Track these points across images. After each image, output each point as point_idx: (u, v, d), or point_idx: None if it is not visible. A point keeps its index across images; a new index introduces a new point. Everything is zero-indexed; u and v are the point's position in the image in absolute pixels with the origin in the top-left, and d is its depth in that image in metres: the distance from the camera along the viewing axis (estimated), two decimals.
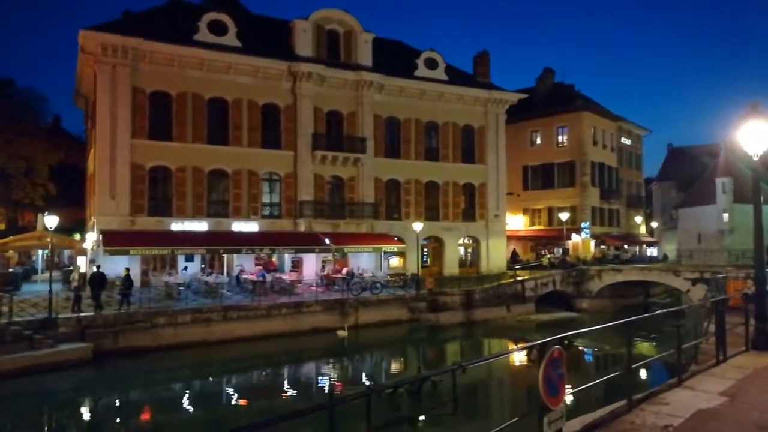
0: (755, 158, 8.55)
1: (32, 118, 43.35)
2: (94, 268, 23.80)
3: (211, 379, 20.93)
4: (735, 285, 12.75)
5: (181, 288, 25.80)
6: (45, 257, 42.16)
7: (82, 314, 20.49)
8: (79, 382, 18.50)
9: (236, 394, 19.23)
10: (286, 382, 20.58)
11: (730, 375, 7.26)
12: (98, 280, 21.29)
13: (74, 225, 40.63)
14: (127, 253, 25.31)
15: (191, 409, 17.31)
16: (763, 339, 8.65)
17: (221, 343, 23.01)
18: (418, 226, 31.64)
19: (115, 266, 26.73)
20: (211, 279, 26.92)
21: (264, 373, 22.10)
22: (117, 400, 17.97)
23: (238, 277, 28.66)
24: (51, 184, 41.32)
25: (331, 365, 23.41)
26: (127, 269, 22.48)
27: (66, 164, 44.16)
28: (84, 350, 19.17)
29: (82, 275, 23.71)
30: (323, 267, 32.76)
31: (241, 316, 23.70)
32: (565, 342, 4.67)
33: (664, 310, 6.99)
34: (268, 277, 28.30)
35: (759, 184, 9.07)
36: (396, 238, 34.29)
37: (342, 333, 24.55)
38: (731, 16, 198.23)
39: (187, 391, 19.14)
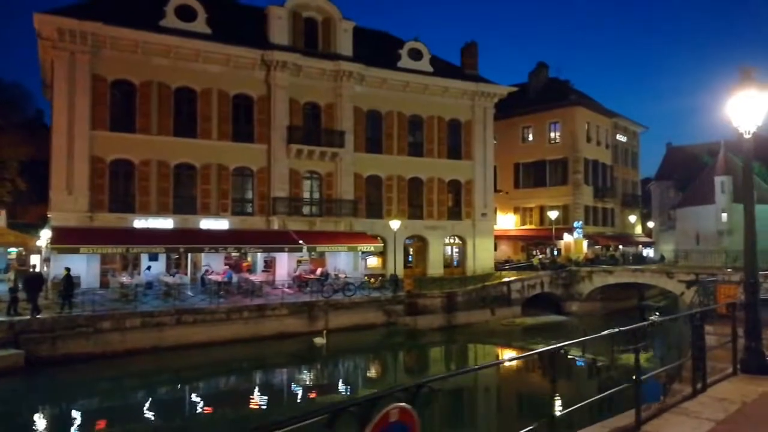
0: (747, 136, 6.85)
1: (12, 113, 41.95)
2: (45, 268, 22.22)
3: (162, 389, 19.24)
4: (726, 290, 10.91)
5: (138, 289, 24.06)
6: (17, 256, 40.59)
7: (17, 318, 18.75)
8: (7, 393, 16.77)
9: (190, 406, 17.61)
10: (245, 393, 18.88)
11: (708, 413, 5.52)
12: (34, 282, 19.54)
13: (44, 222, 38.98)
14: (77, 251, 23.59)
15: (137, 424, 15.57)
16: (755, 360, 6.97)
17: (175, 350, 21.31)
18: (395, 224, 29.92)
19: (71, 265, 25.19)
20: (170, 280, 25.17)
21: (222, 382, 20.45)
22: (49, 413, 16.27)
23: (203, 278, 26.94)
24: (20, 179, 39.66)
25: (292, 374, 21.74)
26: (68, 269, 20.72)
27: (41, 160, 42.53)
28: (14, 357, 17.47)
29: (21, 274, 21.99)
30: (298, 267, 31.02)
31: (197, 320, 21.96)
32: (427, 389, 2.78)
33: (615, 330, 5.22)
34: (235, 278, 26.56)
35: (751, 174, 7.39)
36: (378, 238, 32.60)
37: (319, 340, 22.73)
38: (732, 11, 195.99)
39: (135, 403, 17.50)
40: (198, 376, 20.62)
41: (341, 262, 31.72)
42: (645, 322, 5.49)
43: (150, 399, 17.84)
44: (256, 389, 19.26)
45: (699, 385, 6.29)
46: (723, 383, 6.77)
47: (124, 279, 24.52)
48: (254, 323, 23.25)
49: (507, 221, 47.59)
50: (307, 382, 20.74)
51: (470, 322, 29.00)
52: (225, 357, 21.93)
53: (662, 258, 48.91)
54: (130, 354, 20.49)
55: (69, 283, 20.13)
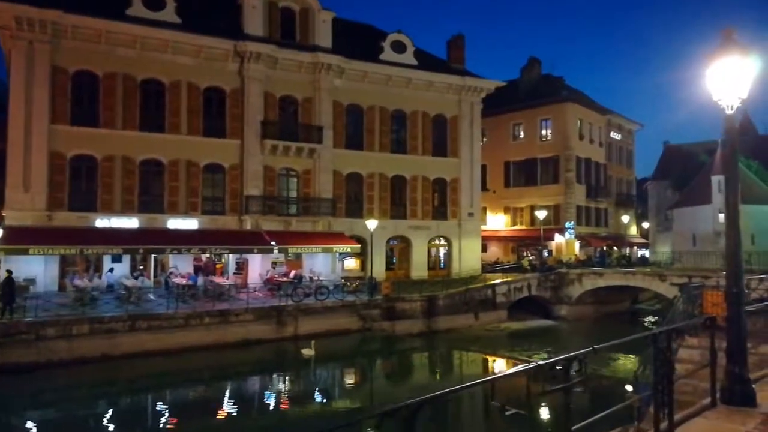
0: (729, 112, 5.46)
1: None
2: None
3: (113, 400, 17.77)
4: (714, 297, 9.32)
5: (94, 293, 22.58)
6: None
7: None
8: None
9: (143, 418, 16.16)
10: (206, 404, 17.55)
11: None
12: None
13: None
14: (26, 252, 22.13)
15: None
16: (740, 389, 5.55)
17: (128, 358, 19.82)
18: (372, 223, 28.42)
19: (28, 267, 23.87)
20: (130, 283, 23.68)
21: (180, 393, 18.97)
22: None
23: (167, 281, 25.48)
24: None
25: (257, 384, 20.31)
26: (9, 272, 19.26)
27: None
28: None
29: None
30: (273, 269, 29.48)
31: (152, 327, 20.46)
32: None
33: (531, 365, 3.72)
34: (200, 281, 25.08)
35: (736, 162, 6.01)
36: (357, 238, 31.10)
37: (307, 351, 20.87)
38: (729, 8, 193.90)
39: (83, 415, 16.13)
40: (153, 386, 19.21)
41: (318, 264, 30.24)
42: (577, 352, 4.03)
43: (99, 411, 16.51)
44: (218, 400, 17.84)
45: (664, 425, 4.86)
46: (696, 420, 5.35)
47: (79, 282, 23.01)
48: (216, 329, 21.77)
49: (497, 221, 46.13)
50: (274, 393, 19.31)
51: (452, 327, 27.49)
52: (184, 366, 20.51)
53: (646, 260, 47.44)
54: (78, 363, 19.08)
55: (10, 286, 18.67)
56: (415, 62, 34.59)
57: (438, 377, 22.96)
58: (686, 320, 10.68)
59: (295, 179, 31.02)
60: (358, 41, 33.68)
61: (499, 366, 24.10)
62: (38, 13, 25.04)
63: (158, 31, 27.46)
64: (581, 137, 44.63)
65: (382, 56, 33.66)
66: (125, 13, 27.30)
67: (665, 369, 4.77)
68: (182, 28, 28.18)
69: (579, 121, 44.52)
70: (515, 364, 22.47)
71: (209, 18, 29.58)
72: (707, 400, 5.74)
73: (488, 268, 37.89)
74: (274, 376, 21.09)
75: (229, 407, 17.20)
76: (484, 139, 44.45)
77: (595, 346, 4.04)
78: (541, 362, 3.67)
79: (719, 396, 5.66)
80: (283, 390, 19.76)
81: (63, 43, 25.95)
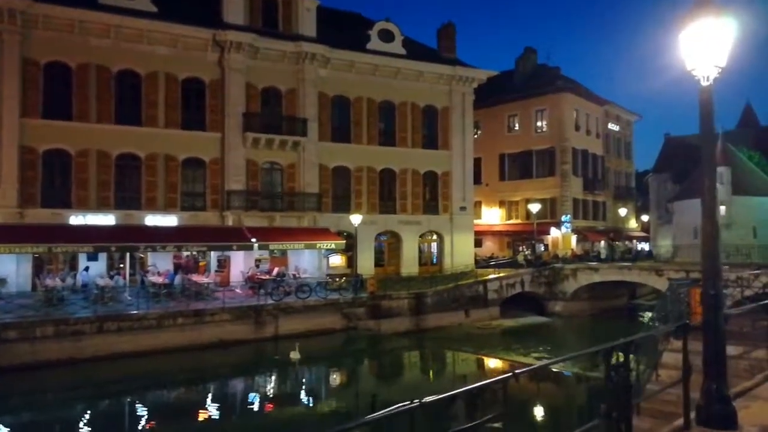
0: (705, 83, 4.60)
1: None
2: None
3: (79, 405, 16.88)
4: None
5: (64, 293, 21.65)
6: None
7: None
8: None
9: (112, 424, 15.34)
10: (181, 408, 16.77)
11: None
12: None
13: None
14: None
15: None
16: (718, 408, 4.60)
17: (96, 361, 18.97)
18: (356, 218, 27.40)
19: (1, 266, 23.06)
20: (103, 282, 22.74)
21: (151, 397, 18.04)
22: None
23: (143, 280, 24.54)
24: None
25: (235, 387, 19.39)
26: None
27: None
28: None
29: None
30: (257, 267, 28.52)
31: (122, 328, 19.54)
32: None
33: (414, 404, 2.64)
34: (178, 279, 24.12)
35: (713, 144, 5.09)
36: (343, 234, 30.08)
37: (295, 355, 19.94)
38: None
39: (46, 420, 15.40)
40: (124, 390, 18.33)
41: (305, 261, 29.25)
42: (492, 379, 3.02)
43: (65, 416, 15.71)
44: (193, 404, 17.03)
45: None
46: None
47: (50, 281, 22.08)
48: (191, 330, 20.85)
49: (492, 215, 45.06)
50: (250, 396, 18.39)
51: (441, 325, 26.52)
52: (157, 368, 19.56)
53: (650, 254, 46.24)
54: (42, 366, 18.20)
55: None
56: (403, 51, 33.47)
57: (426, 378, 21.98)
58: (676, 320, 9.65)
59: (279, 173, 30.01)
60: (343, 30, 32.58)
61: (492, 365, 23.13)
62: (6, 2, 24.09)
63: (133, 20, 26.42)
64: (578, 128, 43.47)
65: (369, 45, 32.55)
66: (98, 2, 26.25)
67: (621, 392, 3.74)
68: (158, 16, 27.14)
69: (575, 112, 43.34)
70: (512, 365, 21.44)
71: (187, 6, 28.47)
72: (680, 421, 4.80)
73: (483, 263, 36.87)
74: (252, 378, 20.18)
75: (202, 411, 16.32)
76: (479, 132, 43.38)
77: (516, 371, 3.08)
78: (428, 399, 2.63)
79: (694, 416, 4.72)
80: (259, 393, 18.82)
81: (33, 34, 24.95)
